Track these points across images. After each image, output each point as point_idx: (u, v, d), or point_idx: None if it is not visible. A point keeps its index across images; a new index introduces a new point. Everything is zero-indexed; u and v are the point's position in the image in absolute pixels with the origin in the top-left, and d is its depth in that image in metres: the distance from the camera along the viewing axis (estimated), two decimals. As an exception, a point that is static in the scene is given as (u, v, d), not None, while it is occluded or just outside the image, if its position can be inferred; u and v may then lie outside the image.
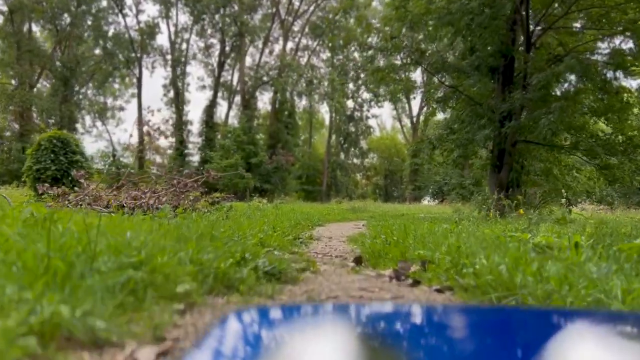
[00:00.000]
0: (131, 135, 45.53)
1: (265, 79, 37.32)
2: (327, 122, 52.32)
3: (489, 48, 14.61)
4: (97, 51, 42.15)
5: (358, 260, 3.93)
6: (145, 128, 38.68)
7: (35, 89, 36.42)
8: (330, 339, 0.66)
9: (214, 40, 41.27)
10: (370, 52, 16.12)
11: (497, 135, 14.08)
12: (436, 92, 15.73)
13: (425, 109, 48.88)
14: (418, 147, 16.27)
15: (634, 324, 0.78)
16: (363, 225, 11.91)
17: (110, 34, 40.05)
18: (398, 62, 15.33)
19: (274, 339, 0.66)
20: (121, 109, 47.96)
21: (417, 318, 0.83)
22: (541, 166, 17.29)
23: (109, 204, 9.58)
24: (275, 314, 0.84)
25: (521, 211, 10.82)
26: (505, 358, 0.59)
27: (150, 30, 41.73)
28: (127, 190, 10.67)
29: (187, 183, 11.01)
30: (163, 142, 49.68)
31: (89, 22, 39.07)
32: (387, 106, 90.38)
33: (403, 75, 15.94)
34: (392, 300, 2.57)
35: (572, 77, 14.38)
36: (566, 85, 15.03)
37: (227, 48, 40.80)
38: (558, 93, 15.58)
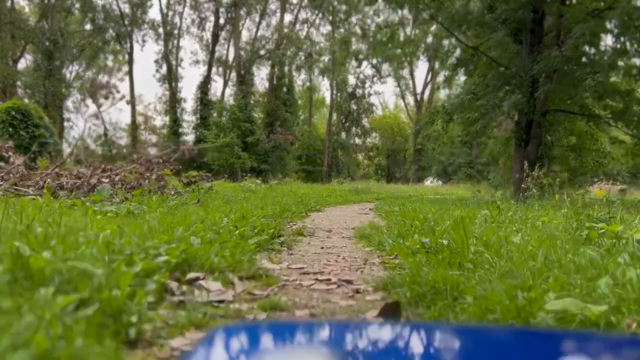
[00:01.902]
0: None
1: (262, 52, 34.52)
2: (327, 100, 49.68)
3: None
4: (88, 27, 39.41)
5: (392, 311, 1.65)
6: (140, 107, 36.20)
7: (18, 64, 33.80)
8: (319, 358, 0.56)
9: (207, 12, 38.40)
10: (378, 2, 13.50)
11: (527, 102, 11.66)
12: (452, 53, 13.24)
13: (436, 78, 46.13)
14: (431, 119, 13.80)
15: None
16: (370, 209, 9.62)
17: (99, 4, 37.12)
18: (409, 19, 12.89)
19: (258, 358, 0.57)
20: (114, 87, 45.30)
21: (410, 338, 0.77)
22: (571, 140, 14.90)
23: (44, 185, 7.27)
24: (265, 331, 0.78)
25: (557, 197, 8.56)
26: None
27: (141, 2, 38.82)
28: (93, 170, 8.32)
29: (151, 159, 8.68)
30: (158, 121, 47.28)
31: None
32: (390, 84, 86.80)
33: (414, 34, 13.43)
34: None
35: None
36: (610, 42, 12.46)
37: (222, 20, 37.93)
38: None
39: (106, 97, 50.79)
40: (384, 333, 0.79)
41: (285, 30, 31.94)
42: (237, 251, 2.61)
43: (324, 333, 0.79)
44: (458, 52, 14.61)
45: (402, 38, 14.51)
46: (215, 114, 36.22)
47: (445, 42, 14.81)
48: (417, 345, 0.74)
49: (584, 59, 11.59)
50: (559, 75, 11.71)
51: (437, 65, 43.80)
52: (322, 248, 3.78)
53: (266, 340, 0.72)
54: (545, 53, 11.41)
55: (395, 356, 0.68)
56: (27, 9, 40.50)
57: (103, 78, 45.28)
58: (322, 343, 0.72)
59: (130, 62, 39.46)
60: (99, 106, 41.03)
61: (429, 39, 15.41)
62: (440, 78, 43.75)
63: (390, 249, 3.38)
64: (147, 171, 8.60)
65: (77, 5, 37.98)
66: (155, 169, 8.81)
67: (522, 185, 8.70)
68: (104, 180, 7.65)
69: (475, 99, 11.09)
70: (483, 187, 29.56)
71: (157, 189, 8.00)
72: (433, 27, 15.40)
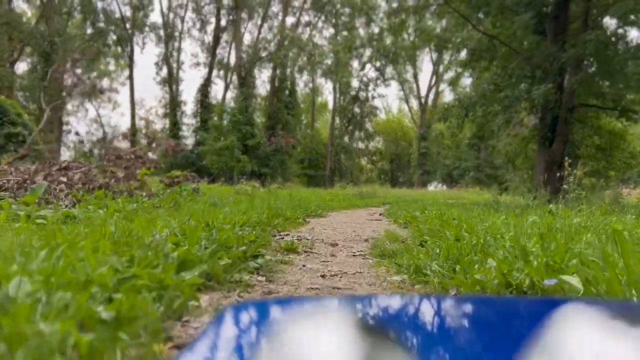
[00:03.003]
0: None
1: (264, 54, 33.14)
2: (330, 105, 48.34)
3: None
4: (90, 31, 38.26)
5: None
6: (142, 112, 34.89)
7: (16, 67, 32.57)
8: (332, 332, 0.59)
9: (207, 8, 37.15)
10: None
11: (554, 94, 10.19)
12: (467, 44, 11.77)
13: (440, 83, 44.60)
14: (444, 115, 12.33)
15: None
16: (381, 215, 8.14)
17: (99, 7, 35.92)
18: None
19: (273, 333, 0.60)
20: (111, 90, 44.07)
21: (423, 309, 0.75)
22: (596, 139, 13.40)
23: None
24: (275, 308, 0.75)
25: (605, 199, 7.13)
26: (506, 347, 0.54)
27: (142, 5, 37.65)
28: (38, 168, 6.89)
29: (122, 156, 7.23)
30: (160, 125, 45.99)
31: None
32: (394, 87, 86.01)
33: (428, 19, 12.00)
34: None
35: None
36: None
37: (223, 22, 36.68)
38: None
39: (109, 100, 49.66)
40: (392, 305, 0.77)
41: (288, 31, 30.57)
42: (124, 306, 1.16)
43: (338, 307, 0.76)
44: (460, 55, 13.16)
45: (410, 30, 13.07)
46: (216, 118, 34.88)
47: (455, 41, 13.37)
48: (432, 315, 0.72)
49: (619, 46, 10.13)
50: (593, 62, 10.25)
51: (448, 58, 42.49)
52: (323, 277, 2.32)
53: (278, 315, 0.70)
54: (580, 36, 9.95)
55: (405, 325, 0.66)
56: (29, 13, 39.48)
57: (102, 82, 44.06)
58: (337, 316, 0.69)
59: (130, 65, 38.23)
60: (97, 110, 39.80)
61: (439, 31, 13.99)
62: (450, 74, 42.43)
63: (441, 282, 1.92)
64: (119, 169, 7.19)
65: (78, 8, 36.89)
66: (132, 166, 7.38)
67: (564, 186, 7.19)
68: (62, 179, 6.23)
69: (498, 91, 9.62)
70: (494, 191, 28.05)
71: (127, 190, 6.57)
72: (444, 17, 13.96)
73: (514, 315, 0.71)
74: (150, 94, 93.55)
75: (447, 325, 0.67)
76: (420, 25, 11.54)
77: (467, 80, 37.75)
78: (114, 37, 38.43)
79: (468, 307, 0.74)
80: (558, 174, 10.85)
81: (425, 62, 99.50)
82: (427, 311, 0.73)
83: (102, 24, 37.52)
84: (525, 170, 15.34)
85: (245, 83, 33.02)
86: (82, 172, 6.38)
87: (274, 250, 2.97)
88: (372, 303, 0.77)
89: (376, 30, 42.28)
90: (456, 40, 12.18)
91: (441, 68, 44.65)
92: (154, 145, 8.05)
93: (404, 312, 0.73)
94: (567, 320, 0.62)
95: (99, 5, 36.48)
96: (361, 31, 41.60)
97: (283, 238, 3.78)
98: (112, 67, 48.58)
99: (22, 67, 34.31)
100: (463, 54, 15.22)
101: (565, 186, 7.16)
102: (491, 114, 10.56)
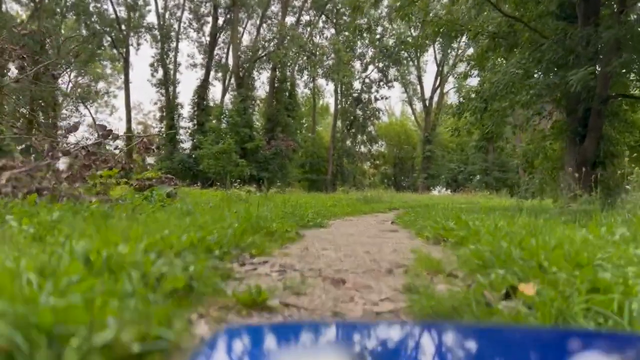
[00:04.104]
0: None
1: (262, 53, 31.67)
2: (331, 108, 46.93)
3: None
4: (84, 32, 36.93)
5: None
6: (140, 116, 33.46)
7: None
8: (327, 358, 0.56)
9: (204, 10, 35.81)
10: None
11: (593, 79, 8.69)
12: (487, 27, 10.28)
13: (444, 84, 42.99)
14: (459, 110, 10.83)
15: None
16: (392, 223, 6.65)
17: (91, 7, 34.54)
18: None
19: (264, 358, 0.58)
20: (108, 93, 42.74)
21: (421, 338, 0.71)
22: (628, 136, 11.87)
23: None
24: (269, 332, 0.74)
25: None
26: None
27: (137, 5, 36.35)
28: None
29: (69, 151, 5.75)
30: (156, 129, 44.62)
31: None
32: (397, 90, 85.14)
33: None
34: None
35: None
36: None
37: (220, 21, 35.29)
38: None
39: (106, 105, 48.38)
40: (392, 333, 0.74)
41: (287, 29, 29.15)
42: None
43: (331, 334, 0.73)
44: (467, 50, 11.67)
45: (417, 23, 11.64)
46: (215, 121, 33.43)
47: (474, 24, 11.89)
48: (427, 344, 0.68)
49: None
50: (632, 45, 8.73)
51: (452, 58, 41.01)
52: None
53: (272, 341, 0.67)
54: (617, 18, 8.48)
55: (405, 356, 0.63)
56: (23, 15, 38.20)
57: (98, 85, 42.77)
58: (329, 343, 0.66)
59: (126, 67, 36.85)
60: (92, 114, 38.47)
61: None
62: (456, 72, 40.98)
63: None
64: (69, 169, 5.72)
65: (72, 9, 35.58)
66: (83, 165, 5.90)
67: (626, 187, 5.68)
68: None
69: (526, 77, 8.11)
70: (504, 195, 26.43)
71: (71, 195, 5.09)
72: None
73: (515, 346, 0.65)
74: (148, 96, 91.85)
75: (444, 354, 0.62)
76: (428, 9, 10.11)
77: (472, 81, 36.22)
78: (109, 39, 37.09)
79: (471, 336, 0.69)
80: (593, 175, 9.34)
81: (430, 64, 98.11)
82: (424, 340, 0.68)
83: (97, 26, 36.19)
84: (547, 171, 13.82)
85: (243, 84, 31.58)
86: (14, 174, 4.90)
87: (220, 309, 1.48)
88: (368, 330, 0.72)
89: (379, 29, 41.02)
90: (474, 23, 10.67)
91: (445, 69, 43.28)
92: (110, 138, 6.45)
93: (403, 340, 0.69)
94: (571, 353, 0.58)
95: (93, 6, 35.08)
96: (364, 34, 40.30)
97: (255, 269, 2.28)
98: (109, 71, 47.40)
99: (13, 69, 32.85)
100: (470, 51, 13.77)
101: (627, 186, 5.65)
102: (519, 103, 9.04)
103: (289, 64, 29.39)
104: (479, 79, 13.88)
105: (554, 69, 8.45)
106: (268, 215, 4.50)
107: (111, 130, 6.14)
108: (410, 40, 12.54)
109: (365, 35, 10.61)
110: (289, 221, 4.65)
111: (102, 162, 5.90)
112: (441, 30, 11.45)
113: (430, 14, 11.00)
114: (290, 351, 0.60)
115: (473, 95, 10.24)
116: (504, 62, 11.69)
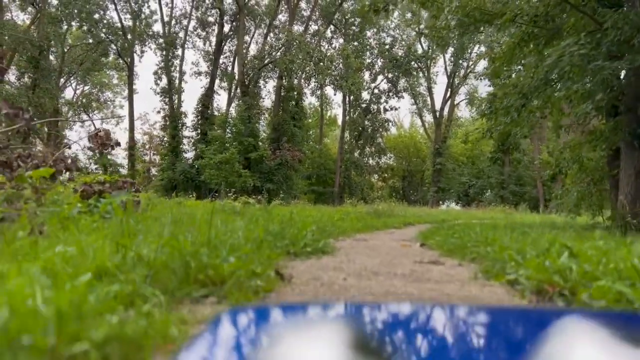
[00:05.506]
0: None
1: (268, 60, 30.20)
2: (339, 120, 45.33)
3: None
4: (90, 41, 35.89)
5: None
6: (146, 126, 32.07)
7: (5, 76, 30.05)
8: (329, 339, 0.55)
9: (211, 19, 34.60)
10: None
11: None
12: (527, 11, 8.58)
13: (455, 96, 41.14)
14: (492, 109, 9.05)
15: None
16: (422, 245, 4.86)
17: (96, 16, 33.39)
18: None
19: (269, 339, 0.56)
20: (112, 102, 41.55)
21: (427, 318, 0.70)
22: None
23: None
24: (273, 312, 0.73)
25: None
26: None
27: (142, 13, 35.25)
28: None
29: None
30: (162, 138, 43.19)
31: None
32: (406, 101, 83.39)
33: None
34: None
35: None
36: None
37: (227, 29, 34.07)
38: None
39: (112, 115, 47.22)
40: (399, 313, 0.74)
41: (294, 35, 27.69)
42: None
43: (337, 314, 0.72)
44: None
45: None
46: (219, 130, 31.90)
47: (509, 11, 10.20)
48: (436, 325, 0.68)
49: None
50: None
51: (474, 56, 39.36)
52: None
53: (276, 321, 0.67)
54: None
55: (413, 335, 0.62)
56: (27, 22, 37.30)
57: (103, 94, 41.67)
58: (334, 323, 0.65)
59: (130, 75, 35.61)
60: (94, 123, 37.22)
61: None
62: (480, 67, 39.13)
63: None
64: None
65: (77, 17, 34.54)
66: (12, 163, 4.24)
67: None
68: None
69: (587, 62, 6.38)
70: (523, 210, 24.49)
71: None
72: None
73: (516, 326, 0.65)
74: (154, 107, 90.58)
75: (448, 334, 0.63)
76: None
77: (485, 88, 34.46)
78: (114, 48, 35.91)
79: (472, 317, 0.69)
80: None
81: (440, 76, 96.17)
82: (430, 320, 0.69)
83: (102, 35, 35.01)
84: (585, 182, 11.96)
85: (249, 92, 30.09)
86: None
87: None
88: (378, 310, 0.72)
89: (388, 40, 39.59)
90: (510, 6, 8.97)
91: (456, 80, 41.66)
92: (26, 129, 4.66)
93: (408, 320, 0.69)
94: (569, 332, 0.58)
95: (99, 14, 33.97)
96: (372, 41, 38.91)
97: None
98: (115, 81, 46.32)
99: (12, 75, 31.70)
100: (481, 66, 12.02)
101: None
102: (580, 95, 7.26)
103: (296, 71, 27.83)
104: (492, 88, 12.13)
105: (617, 55, 6.70)
106: (238, 236, 2.74)
107: (23, 115, 4.45)
108: (429, 32, 11.01)
109: (381, 14, 9.14)
110: (274, 247, 2.88)
111: (25, 159, 4.22)
112: (469, 17, 9.73)
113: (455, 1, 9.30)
114: (294, 331, 0.57)
115: (511, 89, 8.47)
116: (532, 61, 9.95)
